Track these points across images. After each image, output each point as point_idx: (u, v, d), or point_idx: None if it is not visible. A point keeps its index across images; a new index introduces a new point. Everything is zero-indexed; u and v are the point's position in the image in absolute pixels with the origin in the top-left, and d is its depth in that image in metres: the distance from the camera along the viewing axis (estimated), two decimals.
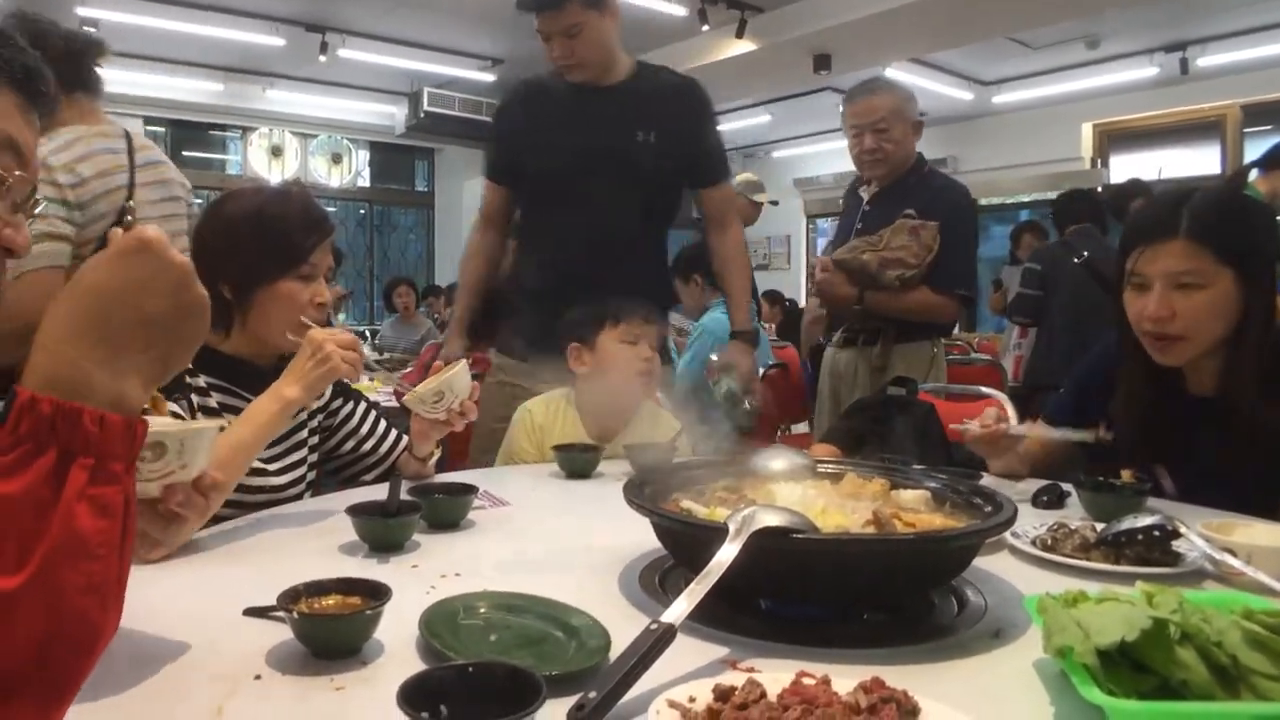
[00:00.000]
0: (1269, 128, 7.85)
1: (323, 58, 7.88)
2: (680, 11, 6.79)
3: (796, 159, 11.52)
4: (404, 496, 1.43)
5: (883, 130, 2.85)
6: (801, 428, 4.83)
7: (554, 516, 1.65)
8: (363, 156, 11.17)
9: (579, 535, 1.48)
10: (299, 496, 1.73)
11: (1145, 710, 0.73)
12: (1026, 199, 9.53)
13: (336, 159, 10.94)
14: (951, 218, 2.83)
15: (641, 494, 1.18)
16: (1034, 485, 1.70)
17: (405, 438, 1.91)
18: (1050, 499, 1.61)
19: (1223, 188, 3.47)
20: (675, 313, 4.09)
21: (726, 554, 0.94)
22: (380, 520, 1.35)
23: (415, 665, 0.91)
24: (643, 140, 2.45)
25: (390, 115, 10.21)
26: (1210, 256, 1.55)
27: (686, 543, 1.09)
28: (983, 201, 10.06)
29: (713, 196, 2.62)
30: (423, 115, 8.99)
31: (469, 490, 1.55)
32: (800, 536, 0.96)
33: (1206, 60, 7.68)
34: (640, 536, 1.23)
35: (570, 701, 0.77)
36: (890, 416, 2.06)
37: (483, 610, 1.04)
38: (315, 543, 1.38)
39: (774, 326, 7.10)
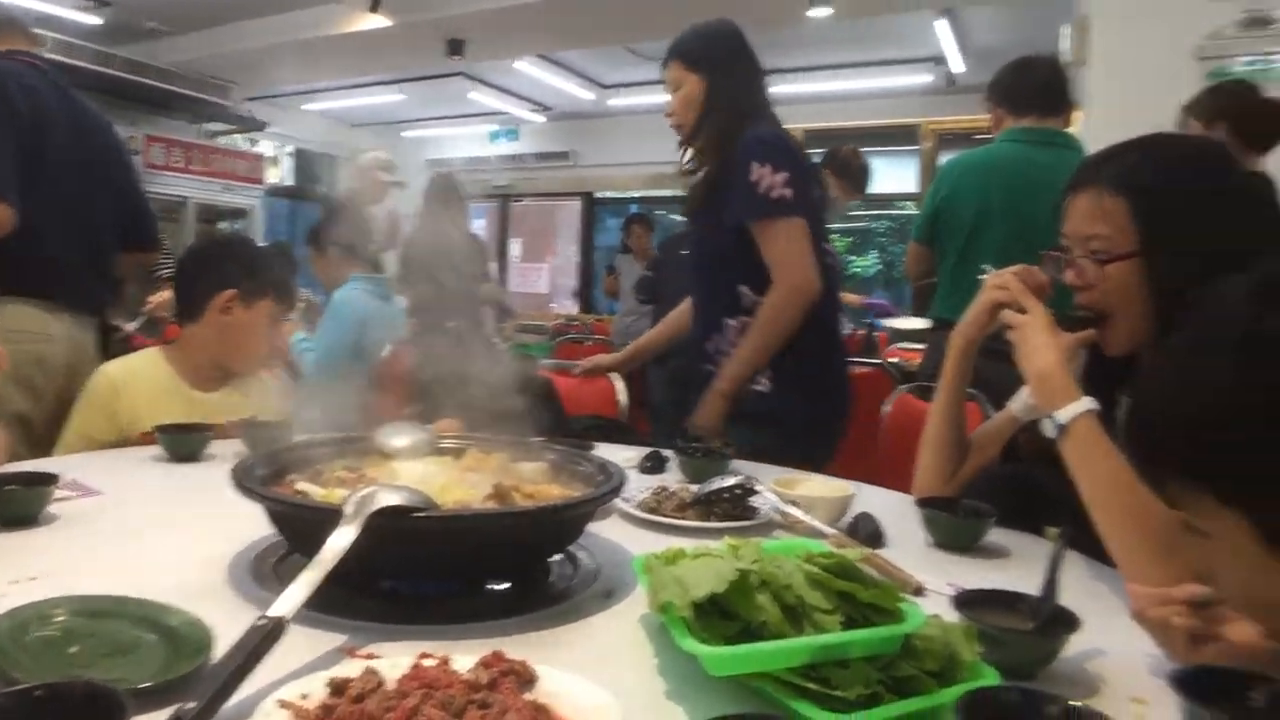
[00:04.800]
0: (821, 150, 9.05)
1: None
2: None
3: (430, 140, 11.26)
4: None
5: None
6: None
7: (155, 505, 1.44)
8: None
9: (184, 525, 1.31)
10: None
11: (729, 654, 0.77)
12: (637, 194, 10.14)
13: None
14: None
15: (252, 476, 1.06)
16: (641, 452, 1.79)
17: None
18: (653, 465, 1.71)
19: None
20: (303, 287, 3.81)
21: (343, 537, 0.87)
22: None
23: None
24: None
25: None
26: None
27: (301, 528, 1.00)
28: (598, 195, 10.60)
29: None
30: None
31: (48, 480, 1.30)
32: (420, 515, 0.91)
33: (779, 89, 8.64)
34: (255, 523, 1.10)
35: (168, 714, 0.66)
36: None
37: (61, 618, 0.87)
38: None
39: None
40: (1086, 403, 1.17)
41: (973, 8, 6.44)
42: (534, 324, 5.74)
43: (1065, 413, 1.17)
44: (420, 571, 1.00)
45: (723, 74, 2.13)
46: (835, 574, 0.85)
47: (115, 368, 2.01)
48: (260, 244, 8.00)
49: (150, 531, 1.28)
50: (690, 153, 2.24)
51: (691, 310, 2.28)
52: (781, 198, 1.96)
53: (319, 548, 0.87)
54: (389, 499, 0.91)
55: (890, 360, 3.86)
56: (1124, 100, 4.05)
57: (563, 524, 1.05)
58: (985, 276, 1.40)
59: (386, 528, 0.89)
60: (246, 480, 1.03)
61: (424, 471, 1.19)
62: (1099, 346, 1.29)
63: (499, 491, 1.07)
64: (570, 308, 10.29)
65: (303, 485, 1.11)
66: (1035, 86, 2.80)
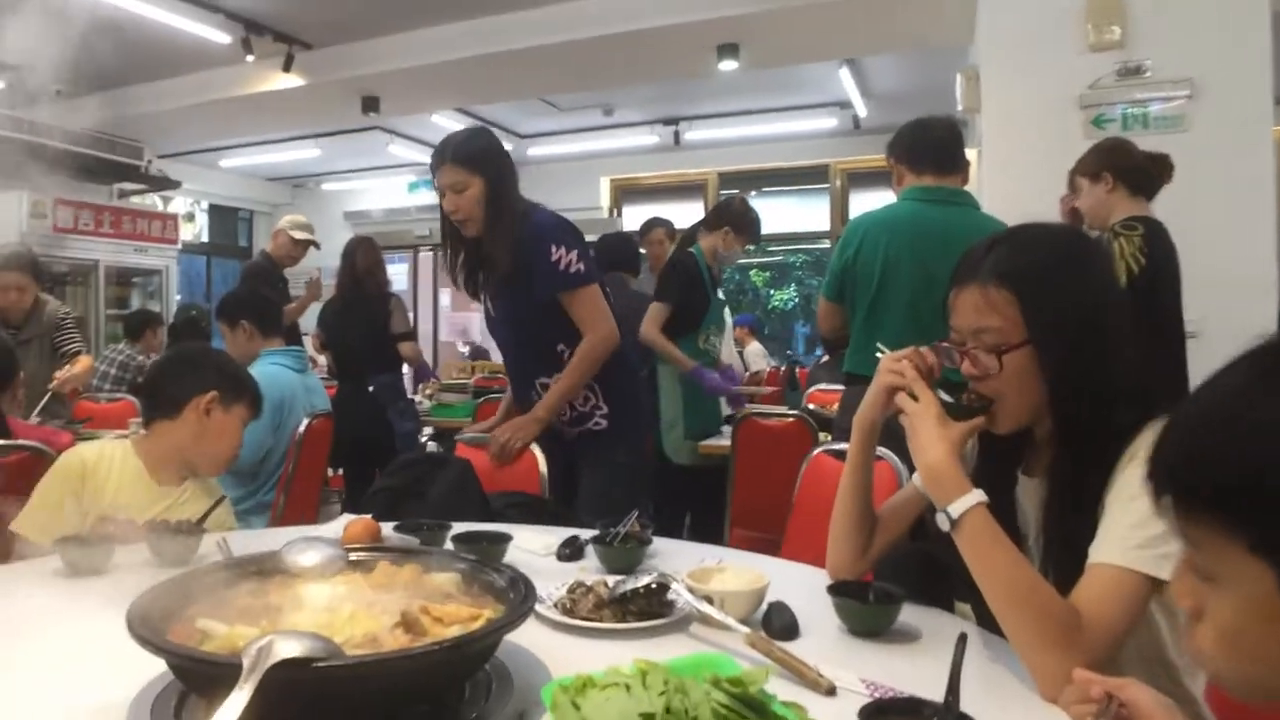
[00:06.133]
0: (736, 190, 9.24)
1: None
2: (223, 39, 6.18)
3: (348, 193, 11.12)
4: None
5: None
6: None
7: (52, 626, 1.36)
8: None
9: (81, 650, 1.23)
10: None
11: None
12: None
13: None
14: None
15: (148, 621, 1.00)
16: (560, 537, 1.77)
17: None
18: (571, 552, 1.69)
19: None
20: None
21: (239, 698, 0.83)
22: None
23: None
24: None
25: None
26: None
27: (197, 680, 0.95)
28: None
29: None
30: None
31: None
32: (322, 666, 0.87)
33: (693, 135, 8.82)
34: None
35: None
36: (429, 474, 2.03)
37: None
38: None
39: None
40: (977, 495, 1.19)
41: (871, 56, 6.66)
42: (457, 383, 5.64)
43: (956, 507, 1.19)
44: (326, 717, 0.96)
45: (500, 174, 2.45)
46: (742, 703, 0.84)
47: (89, 450, 2.01)
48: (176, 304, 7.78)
49: (43, 657, 1.21)
50: (450, 248, 2.59)
51: (511, 376, 2.69)
52: (579, 271, 2.41)
53: (219, 697, 0.83)
54: (288, 649, 0.87)
55: (809, 406, 3.91)
56: (1013, 144, 4.23)
57: (476, 652, 1.02)
58: (879, 356, 1.42)
59: (289, 680, 0.85)
60: (142, 627, 0.97)
61: (331, 595, 1.14)
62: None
63: (407, 620, 1.04)
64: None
65: (203, 623, 1.06)
66: (932, 145, 2.89)
